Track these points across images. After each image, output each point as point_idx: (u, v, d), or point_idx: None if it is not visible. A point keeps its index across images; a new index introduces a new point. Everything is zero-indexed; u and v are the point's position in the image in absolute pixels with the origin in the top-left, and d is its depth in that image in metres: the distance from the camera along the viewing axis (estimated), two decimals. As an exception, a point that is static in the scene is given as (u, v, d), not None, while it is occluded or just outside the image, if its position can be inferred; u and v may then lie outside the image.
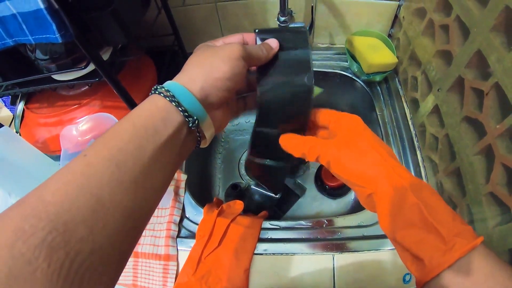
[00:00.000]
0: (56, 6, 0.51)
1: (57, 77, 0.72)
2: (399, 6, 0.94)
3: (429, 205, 0.38)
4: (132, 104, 0.71)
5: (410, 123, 0.89)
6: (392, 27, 1.00)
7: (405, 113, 0.92)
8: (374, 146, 0.43)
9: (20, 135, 0.84)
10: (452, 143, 0.68)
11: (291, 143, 0.47)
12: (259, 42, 0.46)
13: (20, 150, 0.73)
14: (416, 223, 0.38)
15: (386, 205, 0.40)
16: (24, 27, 0.54)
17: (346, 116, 0.47)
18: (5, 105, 1.00)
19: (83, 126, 0.71)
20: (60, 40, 0.53)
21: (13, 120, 0.86)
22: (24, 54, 0.69)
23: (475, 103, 0.61)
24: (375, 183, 0.41)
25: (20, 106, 0.85)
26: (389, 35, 1.02)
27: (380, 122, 0.93)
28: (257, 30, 0.47)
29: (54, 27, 0.52)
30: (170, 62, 1.03)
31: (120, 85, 0.67)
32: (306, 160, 0.47)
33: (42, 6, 0.50)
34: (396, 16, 0.96)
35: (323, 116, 0.49)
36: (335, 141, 0.45)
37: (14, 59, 0.70)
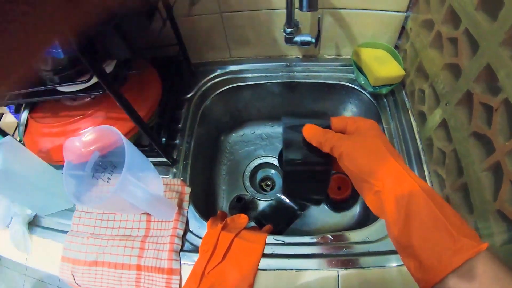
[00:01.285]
0: None
1: (60, 88, 0.71)
2: (406, 18, 0.93)
3: (439, 205, 0.38)
4: (135, 117, 0.71)
5: (417, 136, 0.88)
6: (399, 38, 0.99)
7: (412, 126, 0.91)
8: (387, 147, 0.44)
9: (23, 143, 0.84)
10: (460, 158, 0.67)
11: (311, 132, 0.48)
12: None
13: (24, 159, 0.73)
14: (426, 221, 0.37)
15: (394, 202, 0.40)
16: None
17: (362, 119, 0.49)
18: (10, 111, 0.99)
19: (87, 138, 0.70)
20: (62, 55, 0.52)
21: (17, 128, 0.86)
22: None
23: (483, 118, 0.60)
24: (384, 180, 0.41)
25: (24, 114, 0.85)
26: (396, 47, 1.01)
27: (387, 135, 0.92)
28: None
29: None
30: (175, 72, 1.03)
31: (123, 99, 0.66)
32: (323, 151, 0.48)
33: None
34: (403, 28, 0.95)
35: (340, 121, 0.50)
36: (350, 136, 0.46)
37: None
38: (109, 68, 0.69)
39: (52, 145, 0.79)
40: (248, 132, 1.23)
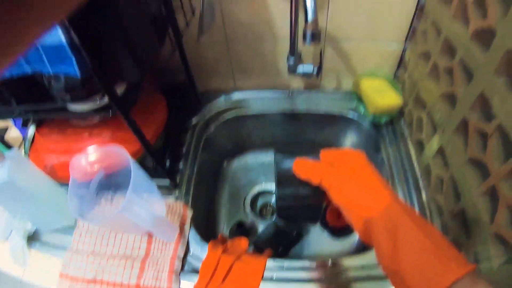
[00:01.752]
0: (78, 42, 0.53)
1: (70, 106, 0.73)
2: (404, 49, 0.96)
3: (426, 231, 0.39)
4: (142, 139, 0.73)
5: (415, 164, 0.90)
6: (398, 69, 1.03)
7: (410, 155, 0.92)
8: (375, 177, 0.46)
9: (28, 158, 0.85)
10: (457, 184, 0.68)
11: (300, 167, 0.50)
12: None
13: (28, 173, 0.75)
14: (413, 248, 0.39)
15: (383, 231, 0.41)
16: (44, 58, 0.56)
17: (349, 151, 0.51)
18: (15, 125, 1.01)
19: (93, 157, 0.72)
20: (79, 75, 0.55)
21: (23, 143, 0.88)
22: (39, 81, 0.71)
23: (479, 144, 0.62)
24: (372, 209, 0.43)
25: (31, 129, 0.87)
26: (396, 76, 1.05)
27: (386, 163, 0.93)
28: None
29: (74, 62, 0.54)
30: (181, 98, 1.05)
31: (132, 121, 0.68)
32: (314, 184, 0.49)
33: (64, 41, 0.52)
34: (402, 59, 0.99)
35: (329, 153, 0.52)
36: (339, 168, 0.48)
37: (28, 83, 0.72)
38: (119, 89, 0.71)
39: (57, 162, 0.80)
40: (251, 159, 1.24)
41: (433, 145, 0.79)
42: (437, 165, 0.78)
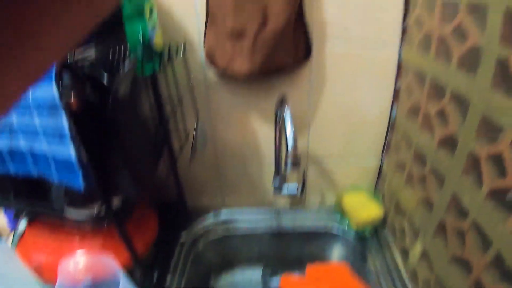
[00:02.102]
0: (85, 160, 0.58)
1: (67, 211, 0.75)
2: (382, 162, 1.04)
3: None
4: (133, 252, 0.75)
5: (402, 271, 0.90)
6: (377, 180, 1.09)
7: (397, 263, 0.93)
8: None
9: (16, 251, 0.83)
10: (444, 284, 0.69)
11: (286, 284, 0.52)
12: None
13: (13, 267, 0.73)
14: None
15: None
16: (52, 167, 0.60)
17: (334, 266, 0.54)
18: (6, 214, 0.99)
19: (82, 263, 0.72)
20: (82, 190, 0.59)
21: (13, 234, 0.86)
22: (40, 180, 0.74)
23: (458, 242, 0.65)
24: None
25: (23, 223, 0.85)
26: (376, 188, 1.11)
27: (373, 272, 0.94)
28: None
29: (80, 176, 0.59)
30: (172, 215, 1.08)
31: (125, 234, 0.71)
32: None
33: (73, 156, 0.58)
34: (380, 171, 1.06)
35: (314, 270, 0.54)
36: (324, 285, 0.50)
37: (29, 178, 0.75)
38: (116, 203, 0.74)
39: (45, 261, 0.78)
40: (238, 275, 1.22)
41: (416, 250, 0.81)
42: (423, 268, 0.79)
